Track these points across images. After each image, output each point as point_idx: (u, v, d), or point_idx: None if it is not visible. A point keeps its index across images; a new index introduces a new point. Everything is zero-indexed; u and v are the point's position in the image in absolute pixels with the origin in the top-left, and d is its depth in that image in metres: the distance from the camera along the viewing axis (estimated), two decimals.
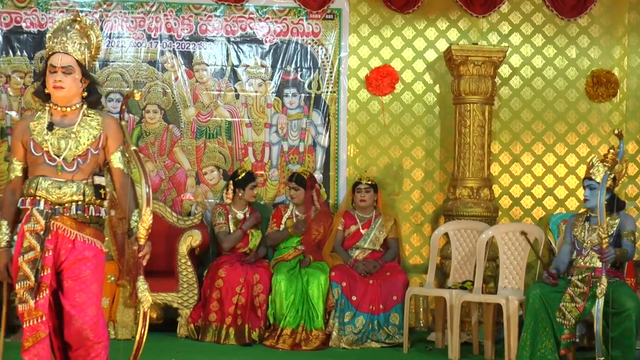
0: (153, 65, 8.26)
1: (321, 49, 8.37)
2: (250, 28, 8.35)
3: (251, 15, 8.34)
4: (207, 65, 8.31)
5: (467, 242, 7.37)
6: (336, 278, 7.32)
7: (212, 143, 8.30)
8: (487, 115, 7.90)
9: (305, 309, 7.27)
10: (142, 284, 4.23)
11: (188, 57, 8.28)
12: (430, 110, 8.47)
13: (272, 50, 8.36)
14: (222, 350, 6.96)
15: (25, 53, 8.15)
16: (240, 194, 7.73)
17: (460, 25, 8.51)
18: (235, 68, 8.33)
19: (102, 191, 4.36)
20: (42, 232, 4.26)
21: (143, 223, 4.19)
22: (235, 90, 8.33)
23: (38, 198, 4.29)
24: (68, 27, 4.42)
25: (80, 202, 4.30)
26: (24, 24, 8.15)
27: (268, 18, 8.35)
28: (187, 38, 8.29)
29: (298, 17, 8.37)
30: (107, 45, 8.17)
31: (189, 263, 7.42)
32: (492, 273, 7.48)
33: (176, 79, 8.26)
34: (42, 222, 4.26)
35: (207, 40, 8.32)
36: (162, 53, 8.27)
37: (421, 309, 7.98)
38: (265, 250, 7.86)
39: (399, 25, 8.48)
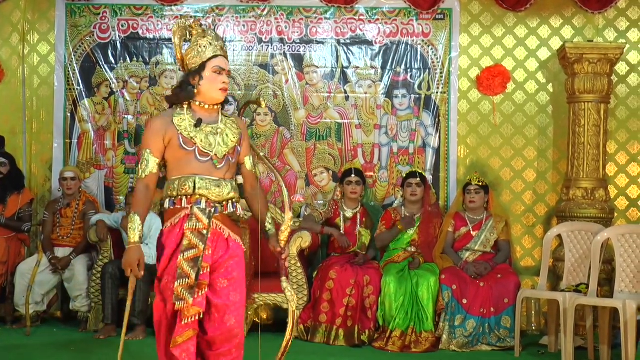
0: (264, 69, 8.37)
1: (431, 49, 8.31)
2: (360, 30, 8.38)
3: (361, 17, 8.36)
4: (317, 67, 8.37)
5: (581, 244, 7.19)
6: (446, 281, 7.24)
7: (322, 145, 8.35)
8: (603, 114, 7.72)
9: (415, 311, 7.22)
10: (285, 284, 4.52)
11: (298, 60, 8.36)
12: (543, 109, 8.32)
13: (382, 52, 8.36)
14: (331, 351, 6.97)
15: (141, 59, 8.38)
16: (341, 189, 7.85)
17: (574, 23, 8.33)
18: (345, 70, 8.36)
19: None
20: (204, 231, 4.29)
21: (284, 228, 4.48)
22: (345, 92, 8.36)
23: (198, 197, 4.31)
24: (212, 33, 4.46)
25: (234, 200, 4.40)
26: (140, 31, 8.39)
27: (378, 19, 8.35)
28: (298, 41, 8.36)
29: (408, 17, 8.34)
30: None
31: (298, 264, 7.47)
32: (607, 276, 7.31)
33: (287, 81, 8.34)
34: (205, 220, 4.29)
35: (317, 42, 8.37)
36: (273, 56, 8.37)
37: (533, 312, 7.83)
38: (375, 252, 7.83)
39: (510, 24, 8.36)
